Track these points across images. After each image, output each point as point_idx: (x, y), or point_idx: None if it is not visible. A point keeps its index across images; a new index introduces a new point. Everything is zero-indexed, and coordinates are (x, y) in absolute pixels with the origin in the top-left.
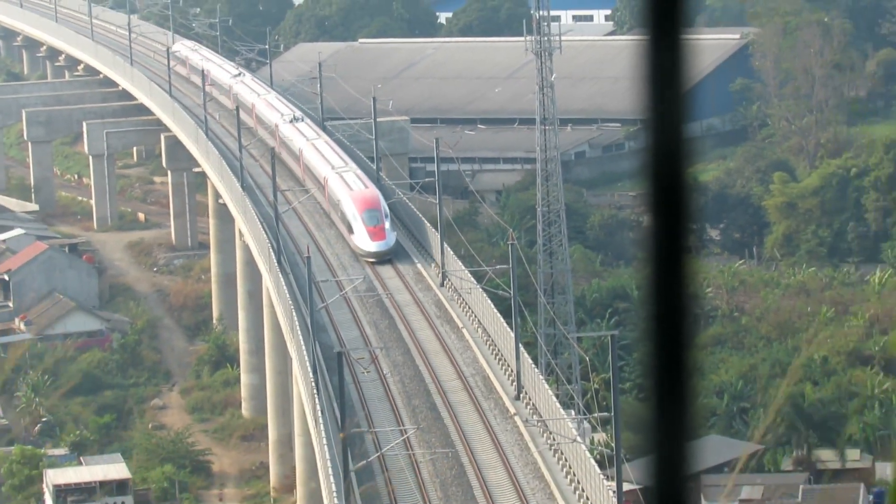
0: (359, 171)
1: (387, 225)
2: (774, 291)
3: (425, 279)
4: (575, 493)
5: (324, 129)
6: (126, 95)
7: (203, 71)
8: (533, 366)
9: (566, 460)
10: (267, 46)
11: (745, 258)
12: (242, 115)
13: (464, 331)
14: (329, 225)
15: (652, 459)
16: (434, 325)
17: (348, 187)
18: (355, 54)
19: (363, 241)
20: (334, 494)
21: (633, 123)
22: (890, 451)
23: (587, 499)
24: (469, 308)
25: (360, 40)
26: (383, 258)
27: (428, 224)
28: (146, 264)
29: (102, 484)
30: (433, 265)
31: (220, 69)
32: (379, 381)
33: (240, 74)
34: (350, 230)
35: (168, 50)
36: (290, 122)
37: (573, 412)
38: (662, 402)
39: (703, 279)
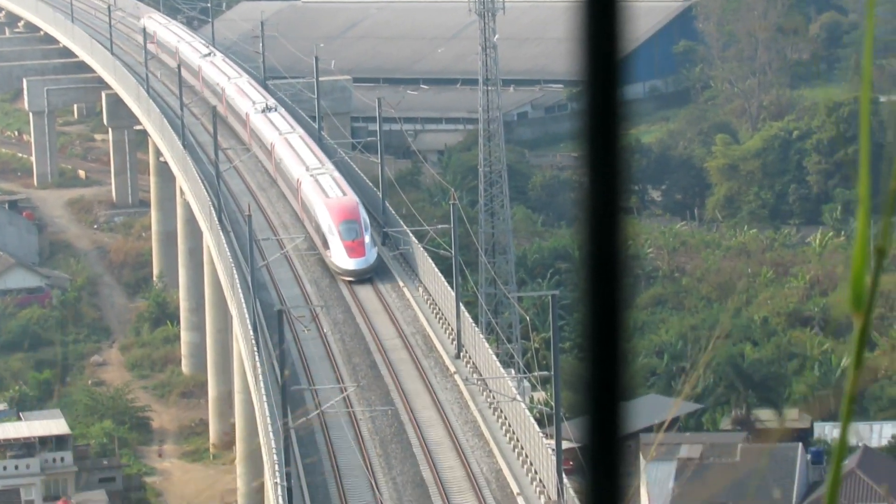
0: (336, 174)
1: (367, 239)
2: (715, 252)
3: None
4: (514, 451)
5: (265, 88)
6: (67, 52)
7: (144, 29)
8: (473, 325)
9: (506, 419)
10: (209, 5)
11: (686, 219)
12: (213, 101)
13: (404, 290)
14: (271, 184)
15: (589, 419)
16: (375, 283)
17: (324, 193)
18: (298, 14)
19: (339, 257)
20: (273, 451)
21: (576, 85)
22: (829, 410)
23: (526, 457)
24: (410, 267)
25: None
26: (363, 277)
27: (369, 183)
28: (86, 221)
29: (42, 440)
30: (375, 224)
31: (190, 47)
32: (319, 339)
33: (210, 54)
34: (325, 244)
35: (109, 7)
36: (263, 111)
37: (513, 371)
38: (600, 362)
39: (645, 240)
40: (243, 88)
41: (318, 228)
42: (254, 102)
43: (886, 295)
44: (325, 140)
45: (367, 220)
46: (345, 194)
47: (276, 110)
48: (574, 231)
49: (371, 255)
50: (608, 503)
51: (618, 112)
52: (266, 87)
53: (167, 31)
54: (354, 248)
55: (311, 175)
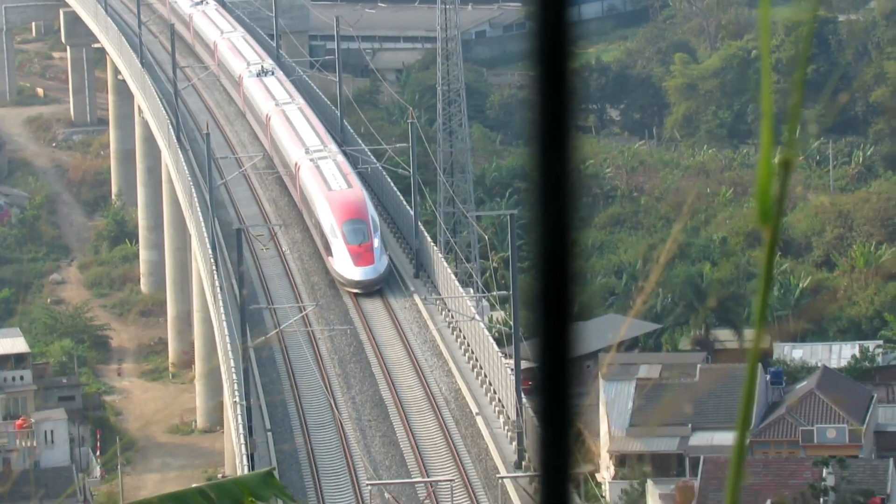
0: (340, 159)
1: (376, 242)
2: (674, 172)
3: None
4: (473, 370)
5: (223, 6)
6: None
7: None
8: (432, 244)
9: (464, 338)
10: None
11: (645, 138)
12: (205, 57)
13: None
14: (229, 102)
15: (541, 339)
16: None
17: (325, 185)
18: None
19: (343, 265)
20: (233, 370)
21: (534, 3)
22: (787, 330)
23: (485, 376)
24: (368, 186)
25: None
26: (371, 289)
27: (328, 102)
28: (45, 139)
29: (1, 358)
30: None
31: None
32: (278, 257)
33: (202, 2)
34: (326, 248)
35: None
36: (258, 75)
37: (472, 290)
38: (553, 282)
39: (603, 159)
40: (237, 46)
41: (318, 226)
42: (248, 64)
43: (846, 216)
44: (283, 58)
45: (377, 219)
46: (350, 186)
47: (272, 74)
48: (527, 151)
49: (381, 262)
50: (560, 423)
51: (569, 31)
52: (224, 6)
53: None
54: (361, 255)
55: (311, 160)
